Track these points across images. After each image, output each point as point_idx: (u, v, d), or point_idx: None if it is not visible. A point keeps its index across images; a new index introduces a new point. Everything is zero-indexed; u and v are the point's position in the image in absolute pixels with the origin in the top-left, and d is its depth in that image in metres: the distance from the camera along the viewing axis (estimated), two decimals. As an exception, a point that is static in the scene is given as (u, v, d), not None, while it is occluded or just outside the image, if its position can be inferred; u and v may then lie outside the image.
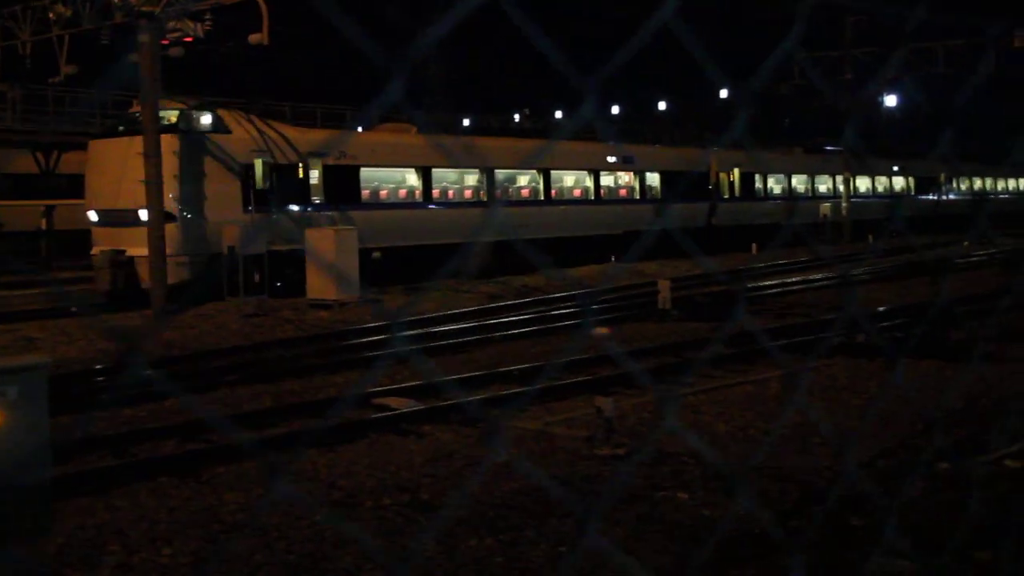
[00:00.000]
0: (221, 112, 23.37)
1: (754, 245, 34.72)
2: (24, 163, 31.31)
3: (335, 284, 21.55)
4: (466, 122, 56.29)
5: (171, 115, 22.16)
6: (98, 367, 13.81)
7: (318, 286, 21.62)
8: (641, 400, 11.24)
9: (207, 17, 26.75)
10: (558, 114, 69.43)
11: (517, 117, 68.21)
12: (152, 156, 20.48)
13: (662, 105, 73.17)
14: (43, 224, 28.58)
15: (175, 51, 28.06)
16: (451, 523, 7.29)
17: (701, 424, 10.28)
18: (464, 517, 7.44)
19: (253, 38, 26.34)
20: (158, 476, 8.61)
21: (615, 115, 69.52)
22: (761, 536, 6.91)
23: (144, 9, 22.07)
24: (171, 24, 26.18)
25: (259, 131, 23.27)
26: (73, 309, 19.11)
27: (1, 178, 32.16)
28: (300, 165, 23.57)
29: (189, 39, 28.22)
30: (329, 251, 21.58)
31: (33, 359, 3.43)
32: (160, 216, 20.60)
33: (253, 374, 13.41)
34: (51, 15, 31.65)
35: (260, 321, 19.00)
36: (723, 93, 64.73)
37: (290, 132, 24.36)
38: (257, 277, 20.80)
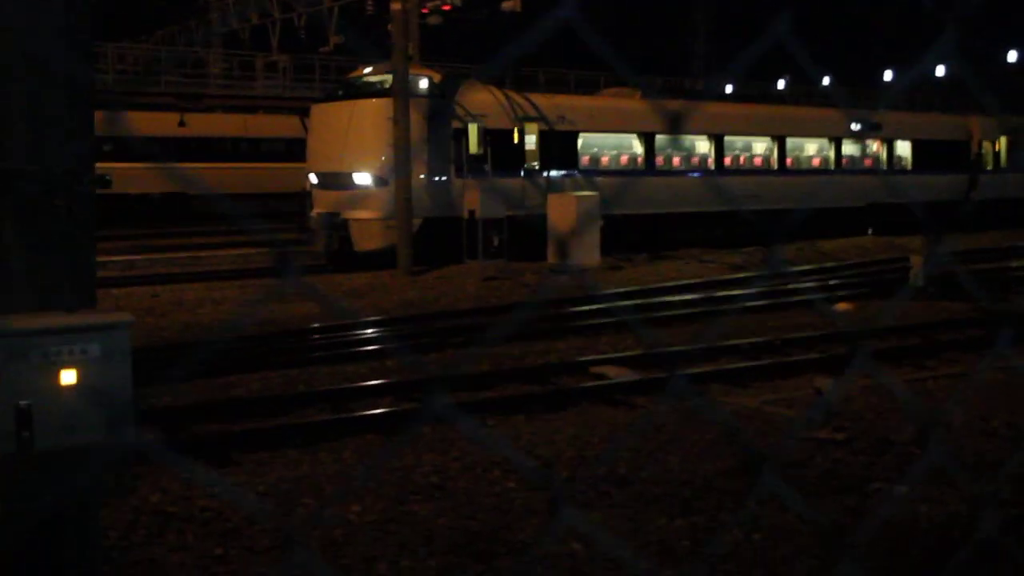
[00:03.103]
0: (433, 75, 23.27)
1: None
2: (293, 127, 33.06)
3: (576, 249, 21.54)
4: (728, 88, 55.06)
5: (387, 79, 22.22)
6: (327, 324, 14.22)
7: (558, 251, 21.66)
8: (872, 383, 10.51)
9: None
10: (825, 80, 66.72)
11: (782, 84, 65.98)
12: (401, 121, 21.04)
13: (940, 71, 68.71)
14: (308, 186, 30.07)
15: (434, 19, 28.75)
16: (643, 500, 7.03)
17: (936, 411, 9.49)
18: (659, 494, 7.16)
19: (507, 4, 26.55)
20: (365, 433, 8.80)
21: (888, 80, 65.94)
22: (984, 542, 6.26)
23: (401, -21, 22.64)
24: (430, -7, 26.88)
25: (476, 95, 23.06)
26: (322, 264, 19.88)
27: (271, 142, 34.13)
28: (515, 130, 23.24)
29: (447, 7, 28.83)
30: (570, 216, 21.55)
31: (117, 316, 3.41)
32: (407, 179, 21.14)
33: (479, 337, 13.53)
34: (322, -13, 33.25)
35: (498, 285, 19.22)
36: (1012, 56, 60.15)
37: (509, 97, 24.02)
38: (496, 241, 21.02)
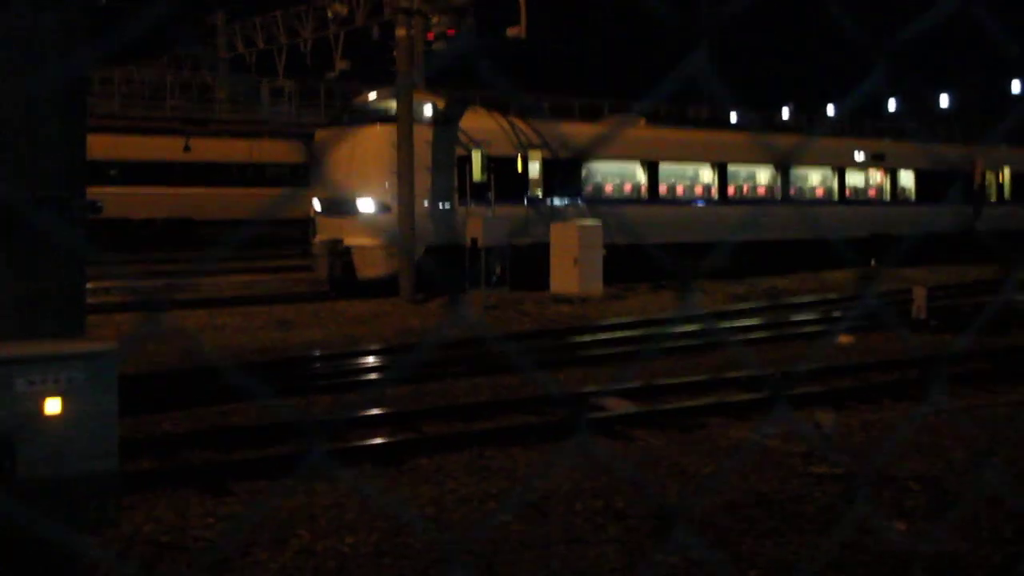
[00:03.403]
0: (438, 101, 23.28)
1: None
2: (298, 152, 33.14)
3: (578, 279, 21.50)
4: (733, 117, 55.21)
5: (391, 105, 22.23)
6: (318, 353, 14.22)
7: (561, 280, 21.63)
8: (874, 417, 10.45)
9: (469, 11, 27.32)
10: (830, 109, 66.85)
11: (786, 112, 66.18)
12: (405, 147, 21.07)
13: (944, 101, 68.87)
14: (311, 212, 30.13)
15: (439, 45, 28.84)
16: (640, 535, 6.96)
17: (936, 447, 9.41)
18: (654, 529, 7.09)
19: (511, 31, 26.64)
20: (361, 463, 8.74)
21: (892, 111, 66.11)
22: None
23: (404, 5, 22.74)
24: (436, 19, 26.91)
25: (479, 121, 23.05)
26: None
27: (276, 167, 34.16)
28: (519, 158, 23.20)
29: (451, 32, 28.93)
30: (572, 245, 21.54)
31: (102, 344, 3.37)
32: (411, 206, 21.15)
33: (478, 367, 13.46)
34: (329, 13, 33.41)
35: (500, 314, 19.18)
36: (1015, 86, 60.26)
37: (512, 124, 23.94)
38: (498, 269, 20.99)
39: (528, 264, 21.64)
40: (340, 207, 22.35)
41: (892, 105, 66.42)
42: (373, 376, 12.78)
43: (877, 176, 31.13)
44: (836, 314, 18.53)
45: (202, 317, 18.38)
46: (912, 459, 8.80)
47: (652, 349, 15.02)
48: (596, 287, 21.47)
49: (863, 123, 52.83)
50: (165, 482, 7.93)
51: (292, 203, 30.92)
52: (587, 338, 15.88)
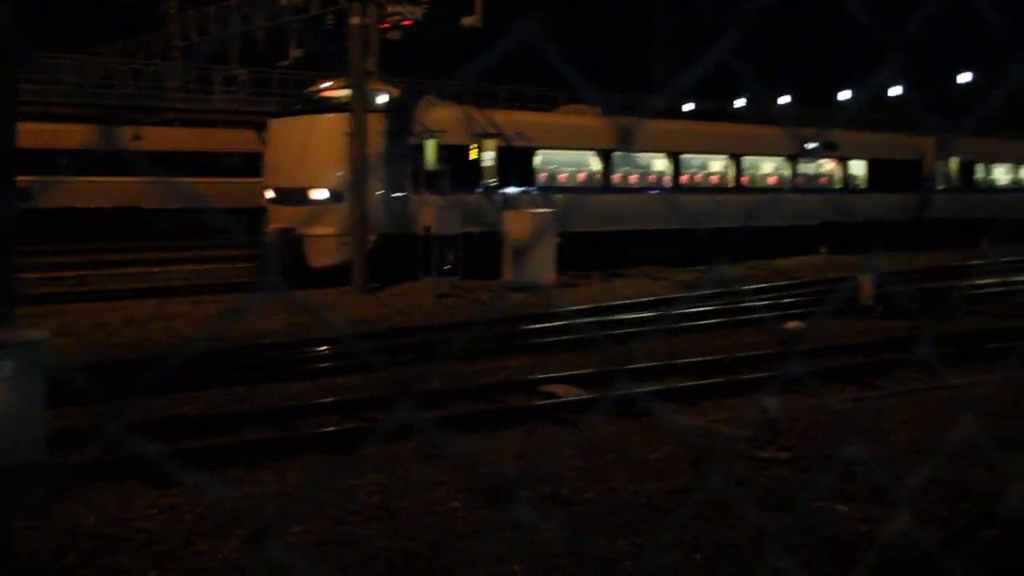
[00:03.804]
0: (391, 90, 23.14)
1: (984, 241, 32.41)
2: (250, 141, 32.79)
3: (531, 267, 21.48)
4: (690, 106, 55.40)
5: (345, 94, 21.95)
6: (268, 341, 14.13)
7: (513, 269, 21.60)
8: (819, 402, 10.55)
9: (425, 0, 27.13)
10: (785, 99, 67.28)
11: (743, 101, 66.51)
12: (359, 136, 20.92)
13: (896, 90, 69.51)
14: (263, 201, 29.87)
15: (394, 34, 28.62)
16: (586, 520, 6.98)
17: (881, 431, 9.54)
18: (601, 514, 7.12)
19: (467, 20, 26.50)
20: (311, 452, 8.70)
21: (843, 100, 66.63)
22: (924, 559, 6.27)
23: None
24: (391, 8, 26.70)
25: (432, 110, 22.94)
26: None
27: (228, 156, 33.77)
28: (473, 147, 23.17)
29: (408, 22, 28.71)
30: (526, 233, 21.50)
31: (30, 333, 3.32)
32: (364, 194, 21.02)
33: (428, 354, 13.45)
34: (284, 1, 33.08)
35: (452, 302, 19.14)
36: (962, 78, 60.99)
37: (467, 113, 23.80)
38: (452, 258, 20.93)
39: (482, 253, 21.58)
40: (293, 196, 22.19)
41: (844, 95, 66.98)
42: (323, 365, 12.70)
43: (829, 165, 31.39)
44: (786, 300, 18.69)
45: (152, 307, 18.17)
46: (857, 444, 8.91)
47: (603, 336, 15.07)
48: (549, 275, 21.46)
49: (820, 113, 53.34)
50: (109, 474, 7.85)
51: (245, 192, 30.67)
52: (538, 325, 15.88)
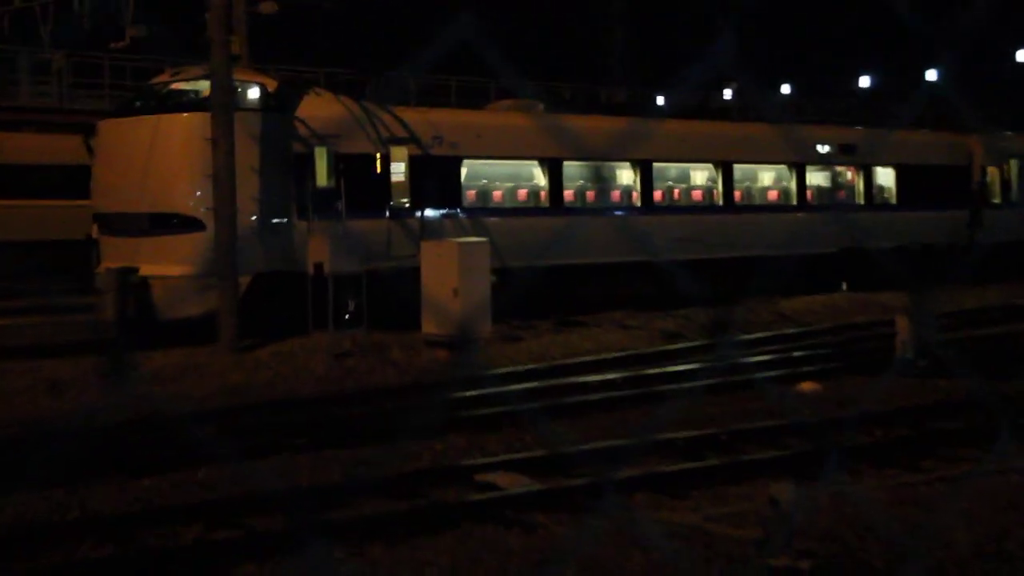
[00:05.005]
0: (267, 81, 23.02)
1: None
2: (74, 150, 32.28)
3: (458, 315, 21.43)
4: (660, 100, 56.05)
5: (204, 87, 21.87)
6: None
7: (436, 317, 21.53)
8: (847, 488, 10.62)
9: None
10: (785, 88, 68.39)
11: (729, 94, 67.53)
12: (222, 142, 20.78)
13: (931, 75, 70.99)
14: (94, 232, 29.42)
15: (268, 7, 28.64)
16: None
17: (933, 528, 9.57)
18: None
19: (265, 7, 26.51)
20: (163, 573, 8.55)
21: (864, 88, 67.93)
22: None
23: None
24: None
25: (323, 108, 22.84)
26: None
27: (39, 169, 33.14)
28: (378, 156, 23.11)
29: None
30: (451, 271, 21.47)
31: None
32: (232, 221, 20.84)
33: (326, 436, 13.36)
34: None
35: (355, 363, 19.06)
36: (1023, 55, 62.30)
37: (369, 112, 23.71)
38: (352, 304, 20.87)
39: (393, 297, 21.47)
40: (134, 224, 21.90)
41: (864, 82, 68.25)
42: (181, 454, 12.49)
43: (846, 174, 31.73)
44: (797, 354, 18.88)
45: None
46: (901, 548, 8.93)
47: (556, 406, 15.07)
48: (483, 326, 21.44)
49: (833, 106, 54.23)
50: None
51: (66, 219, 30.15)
52: (472, 393, 15.86)
